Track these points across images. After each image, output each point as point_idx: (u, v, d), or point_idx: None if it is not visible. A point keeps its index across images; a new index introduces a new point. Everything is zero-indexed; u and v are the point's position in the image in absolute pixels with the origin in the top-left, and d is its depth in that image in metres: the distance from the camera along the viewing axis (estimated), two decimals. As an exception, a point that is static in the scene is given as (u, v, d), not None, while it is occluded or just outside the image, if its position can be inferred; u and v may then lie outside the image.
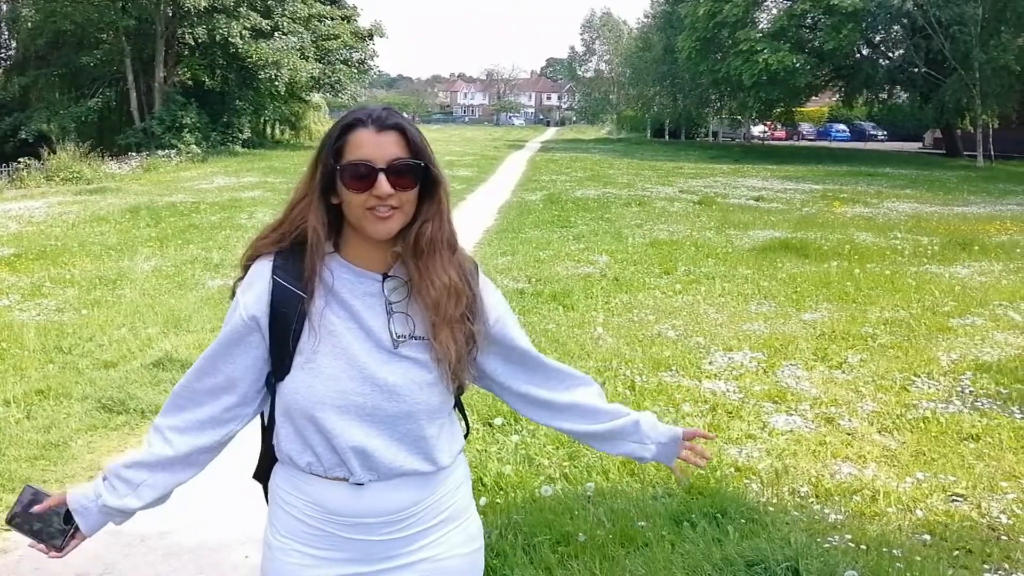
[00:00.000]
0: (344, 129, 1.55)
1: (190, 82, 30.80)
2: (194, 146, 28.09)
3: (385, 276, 1.60)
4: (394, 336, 1.58)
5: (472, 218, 14.71)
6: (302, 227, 1.57)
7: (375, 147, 1.52)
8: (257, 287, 1.58)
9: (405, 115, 1.63)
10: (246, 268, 1.63)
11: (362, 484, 1.59)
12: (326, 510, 1.60)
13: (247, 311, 1.57)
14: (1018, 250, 10.91)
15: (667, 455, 1.90)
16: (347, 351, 1.56)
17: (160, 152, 26.91)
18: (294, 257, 1.57)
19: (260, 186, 19.63)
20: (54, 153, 22.27)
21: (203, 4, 27.46)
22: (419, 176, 1.56)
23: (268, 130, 40.96)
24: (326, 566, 1.62)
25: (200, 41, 29.20)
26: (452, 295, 1.59)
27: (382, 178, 1.51)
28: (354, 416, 1.56)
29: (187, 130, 28.69)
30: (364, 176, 1.51)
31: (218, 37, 28.82)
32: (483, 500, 3.81)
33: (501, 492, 3.98)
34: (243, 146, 32.36)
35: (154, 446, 1.67)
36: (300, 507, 1.62)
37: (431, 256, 1.59)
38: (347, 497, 1.60)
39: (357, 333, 1.57)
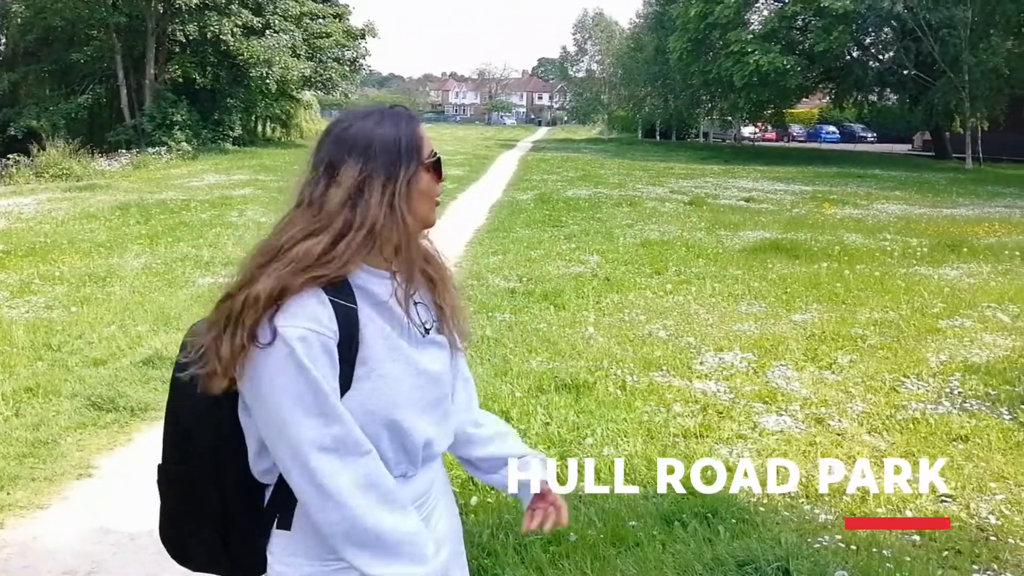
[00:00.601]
0: (416, 127, 1.62)
1: (181, 79, 30.66)
2: (184, 143, 27.98)
3: (391, 273, 1.61)
4: (423, 325, 1.64)
5: (463, 217, 14.72)
6: (383, 231, 1.52)
7: (429, 140, 1.64)
8: (322, 310, 1.48)
9: None
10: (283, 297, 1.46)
11: (414, 474, 1.62)
12: None
13: (330, 330, 1.47)
14: (1006, 252, 10.96)
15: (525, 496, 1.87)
16: (402, 350, 1.58)
17: (150, 149, 26.81)
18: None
19: (251, 184, 19.57)
20: (43, 150, 22.16)
21: (194, 1, 27.40)
22: None
23: (259, 128, 40.85)
24: None
25: (191, 38, 29.11)
26: (446, 266, 1.73)
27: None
28: (419, 410, 1.59)
29: (177, 127, 28.59)
30: (438, 166, 1.63)
31: (209, 35, 28.74)
32: (474, 499, 3.82)
33: (492, 492, 3.97)
34: (234, 144, 32.29)
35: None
36: None
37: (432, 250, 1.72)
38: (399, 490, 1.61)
39: (400, 331, 1.59)
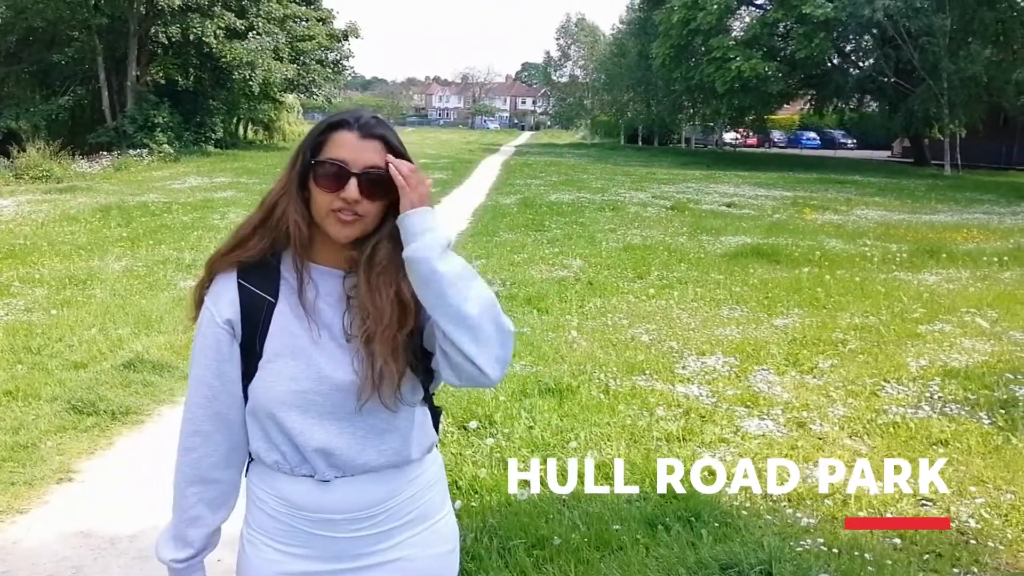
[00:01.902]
0: (328, 127, 1.56)
1: (163, 81, 30.49)
2: (166, 146, 27.81)
3: (346, 273, 1.61)
4: (348, 331, 1.58)
5: (446, 221, 14.69)
6: (284, 223, 1.56)
7: (354, 151, 1.52)
8: (226, 296, 1.59)
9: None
10: (211, 275, 1.63)
11: (327, 481, 1.60)
12: (293, 505, 1.62)
13: (221, 316, 1.58)
14: (984, 258, 11.07)
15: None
16: (305, 351, 1.56)
17: (132, 151, 26.65)
18: (256, 261, 1.60)
19: (233, 186, 19.48)
20: (24, 151, 21.94)
21: (177, 3, 27.21)
22: (391, 190, 1.52)
23: (241, 131, 40.68)
24: (294, 562, 1.63)
25: (174, 40, 28.92)
26: (396, 308, 1.55)
27: (352, 182, 1.50)
28: (316, 415, 1.57)
29: (159, 129, 28.38)
30: (336, 177, 1.51)
31: (192, 36, 28.57)
32: (458, 503, 3.81)
33: (476, 495, 3.98)
34: (216, 146, 32.10)
35: (211, 511, 1.69)
36: (270, 503, 1.64)
37: (384, 272, 1.56)
38: (313, 493, 1.61)
39: (318, 331, 1.58)
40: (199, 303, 1.65)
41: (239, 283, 1.58)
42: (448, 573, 1.75)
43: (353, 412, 1.58)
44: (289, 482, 1.61)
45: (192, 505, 1.65)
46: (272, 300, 1.57)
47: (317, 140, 1.55)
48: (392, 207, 1.54)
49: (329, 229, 1.53)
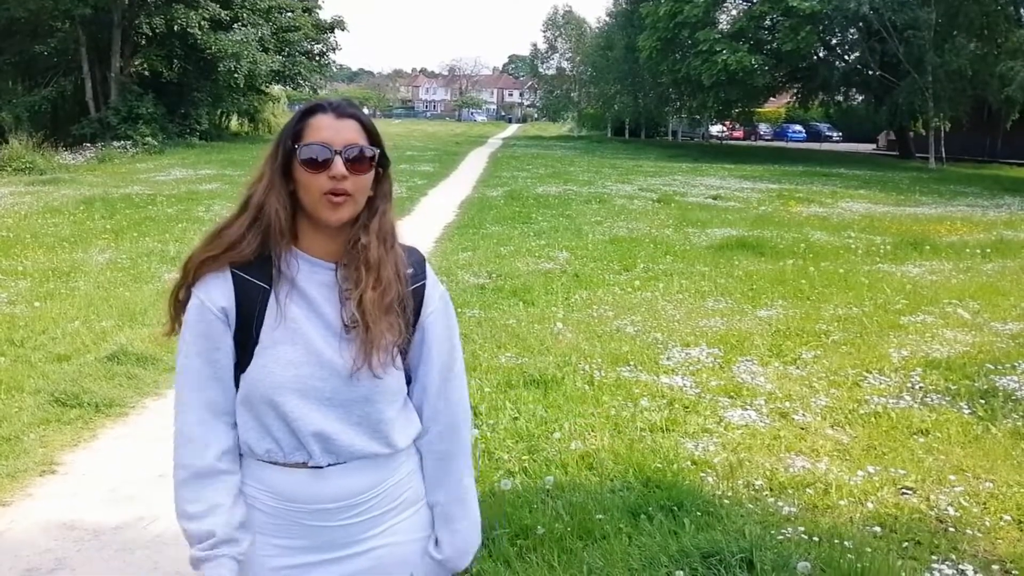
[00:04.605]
0: (304, 114, 1.62)
1: (147, 73, 30.17)
2: (150, 137, 27.59)
3: (338, 264, 1.64)
4: (347, 322, 1.61)
5: (433, 213, 14.70)
6: (267, 213, 1.58)
7: (333, 131, 1.59)
8: (219, 285, 1.60)
9: (365, 110, 1.69)
10: (196, 278, 1.62)
11: (321, 467, 1.62)
12: (285, 497, 1.62)
13: (215, 304, 1.59)
14: (967, 250, 11.16)
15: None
16: (305, 337, 1.60)
17: (116, 143, 26.40)
18: (249, 261, 1.62)
19: (218, 178, 19.39)
20: (6, 143, 21.76)
21: (161, -7, 27.04)
22: (373, 164, 1.62)
23: (226, 122, 40.44)
24: (287, 555, 1.64)
25: (158, 31, 28.62)
26: (395, 283, 1.64)
27: (338, 160, 1.57)
28: (314, 400, 1.60)
29: (143, 121, 28.15)
30: (320, 157, 1.57)
31: (176, 27, 28.31)
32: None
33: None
34: (201, 138, 31.89)
35: (218, 490, 1.60)
36: (259, 496, 1.64)
37: (391, 245, 1.65)
38: (306, 483, 1.62)
39: (315, 321, 1.61)
40: (177, 309, 1.65)
41: (232, 272, 1.60)
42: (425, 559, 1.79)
43: (350, 400, 1.62)
44: (282, 473, 1.62)
45: (202, 498, 1.58)
46: (267, 287, 1.59)
47: (296, 129, 1.60)
48: (375, 182, 1.64)
49: (322, 214, 1.58)
